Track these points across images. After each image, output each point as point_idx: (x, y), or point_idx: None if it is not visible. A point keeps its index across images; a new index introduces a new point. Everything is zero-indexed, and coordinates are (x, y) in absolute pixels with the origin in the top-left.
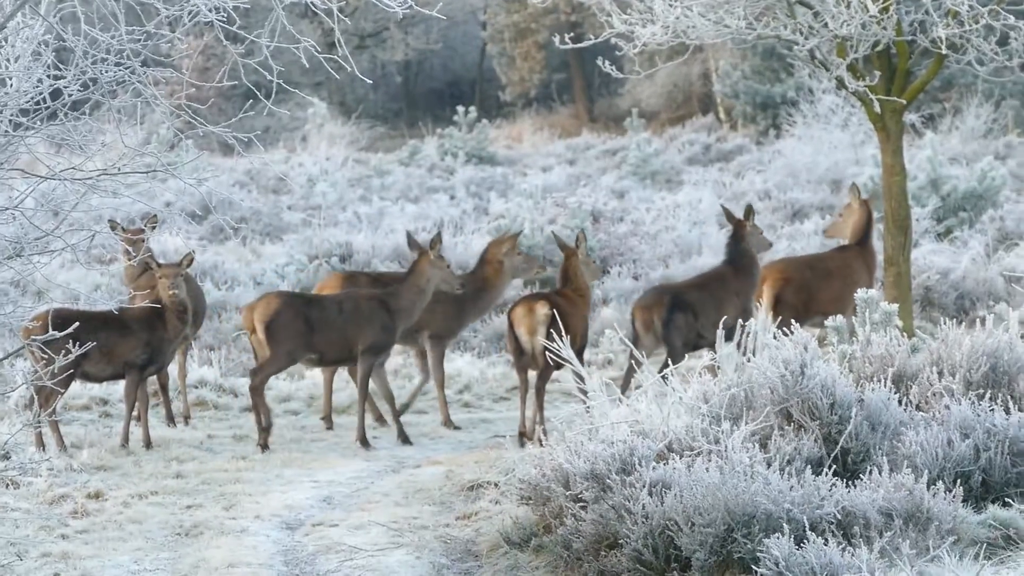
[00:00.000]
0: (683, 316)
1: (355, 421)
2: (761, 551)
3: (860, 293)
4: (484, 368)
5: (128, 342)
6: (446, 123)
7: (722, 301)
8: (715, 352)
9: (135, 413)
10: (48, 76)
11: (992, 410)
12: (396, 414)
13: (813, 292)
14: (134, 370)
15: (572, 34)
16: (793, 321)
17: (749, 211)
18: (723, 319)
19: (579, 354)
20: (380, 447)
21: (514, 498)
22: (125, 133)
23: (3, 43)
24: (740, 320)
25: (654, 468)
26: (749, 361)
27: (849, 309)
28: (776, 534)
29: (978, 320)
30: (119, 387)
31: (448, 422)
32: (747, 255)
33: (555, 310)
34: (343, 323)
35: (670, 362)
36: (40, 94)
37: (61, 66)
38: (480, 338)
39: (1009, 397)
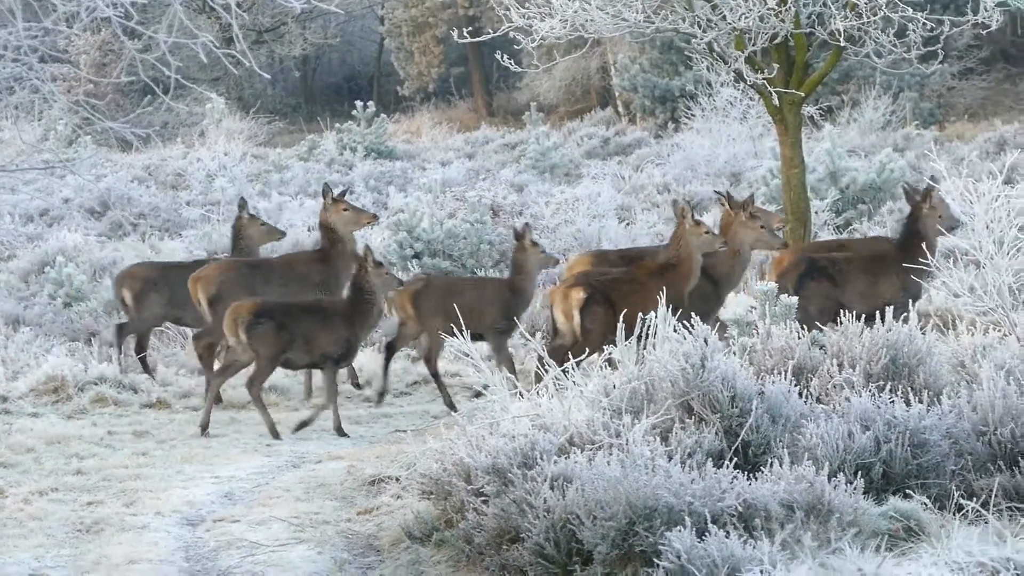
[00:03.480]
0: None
1: (252, 416)
2: (663, 544)
3: (760, 286)
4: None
5: (329, 334)
6: (344, 118)
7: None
8: None
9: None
10: None
11: (892, 402)
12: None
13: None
14: (330, 361)
15: (470, 28)
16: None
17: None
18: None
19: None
20: (281, 442)
21: (416, 493)
22: (23, 130)
23: None
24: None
25: (555, 462)
26: (650, 355)
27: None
28: (677, 527)
29: (878, 313)
30: (16, 385)
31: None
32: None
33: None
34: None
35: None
36: None
37: None
38: (380, 333)
39: (909, 389)
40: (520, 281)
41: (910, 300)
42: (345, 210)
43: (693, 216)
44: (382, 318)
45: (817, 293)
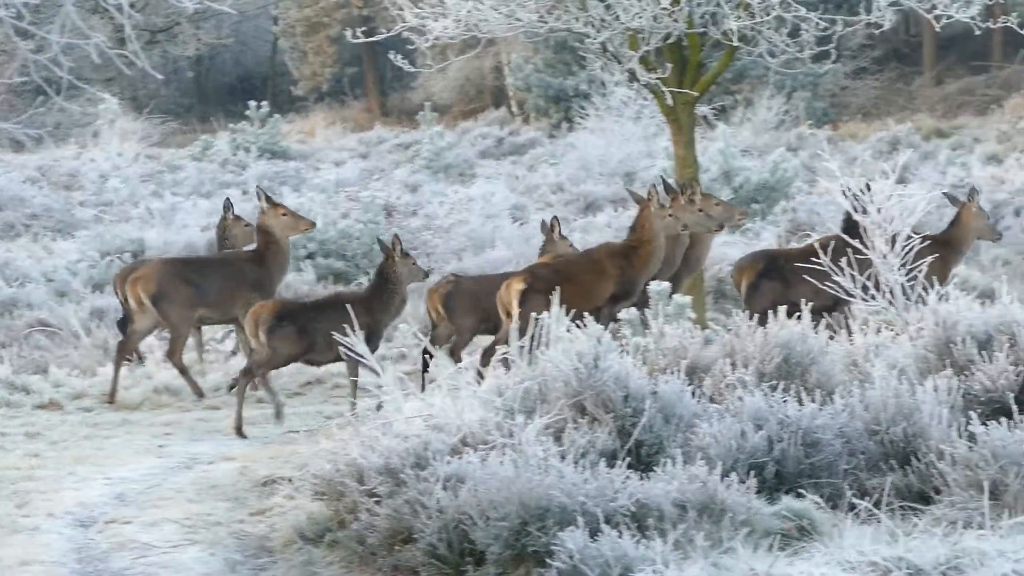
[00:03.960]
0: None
1: (145, 418)
2: (555, 544)
3: (654, 286)
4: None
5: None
6: (238, 118)
7: None
8: None
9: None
10: None
11: (785, 401)
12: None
13: None
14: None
15: (364, 28)
16: None
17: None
18: None
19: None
20: (173, 443)
21: (308, 493)
22: None
23: None
24: None
25: (448, 462)
26: (543, 354)
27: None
28: (570, 527)
29: (771, 312)
30: None
31: None
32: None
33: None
34: None
35: None
36: None
37: None
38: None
39: (802, 388)
40: None
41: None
42: (284, 215)
43: (659, 199)
44: (404, 307)
45: None
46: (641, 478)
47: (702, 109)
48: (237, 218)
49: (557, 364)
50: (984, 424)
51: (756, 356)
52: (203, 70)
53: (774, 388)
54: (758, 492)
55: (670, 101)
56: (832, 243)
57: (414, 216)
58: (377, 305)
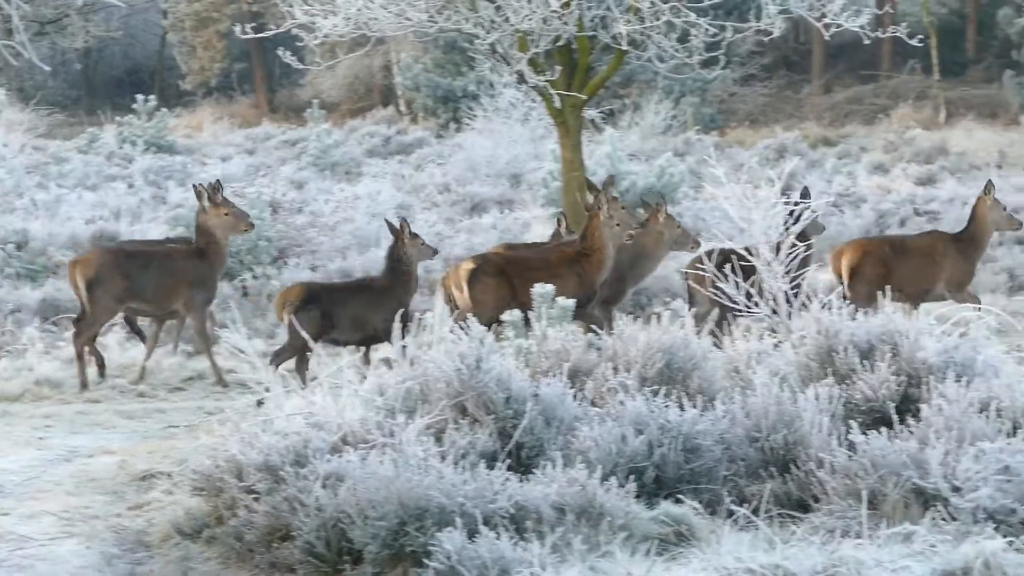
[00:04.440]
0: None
1: (25, 410)
2: (433, 545)
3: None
4: (159, 358)
5: (377, 311)
6: (126, 111)
7: None
8: None
9: None
10: None
11: (667, 406)
12: None
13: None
14: (379, 338)
15: (253, 24)
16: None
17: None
18: None
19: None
20: (53, 436)
21: (187, 489)
22: None
23: None
24: None
25: (328, 460)
26: (425, 354)
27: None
28: (449, 528)
29: (654, 316)
30: None
31: None
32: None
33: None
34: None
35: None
36: None
37: None
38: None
39: (684, 393)
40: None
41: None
42: (226, 215)
43: (609, 208)
44: (418, 286)
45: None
46: (521, 480)
47: (590, 112)
48: (226, 200)
49: (439, 364)
50: (864, 433)
51: (638, 360)
52: (91, 62)
53: (656, 393)
54: (637, 496)
55: (558, 104)
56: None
57: (299, 213)
58: (399, 287)
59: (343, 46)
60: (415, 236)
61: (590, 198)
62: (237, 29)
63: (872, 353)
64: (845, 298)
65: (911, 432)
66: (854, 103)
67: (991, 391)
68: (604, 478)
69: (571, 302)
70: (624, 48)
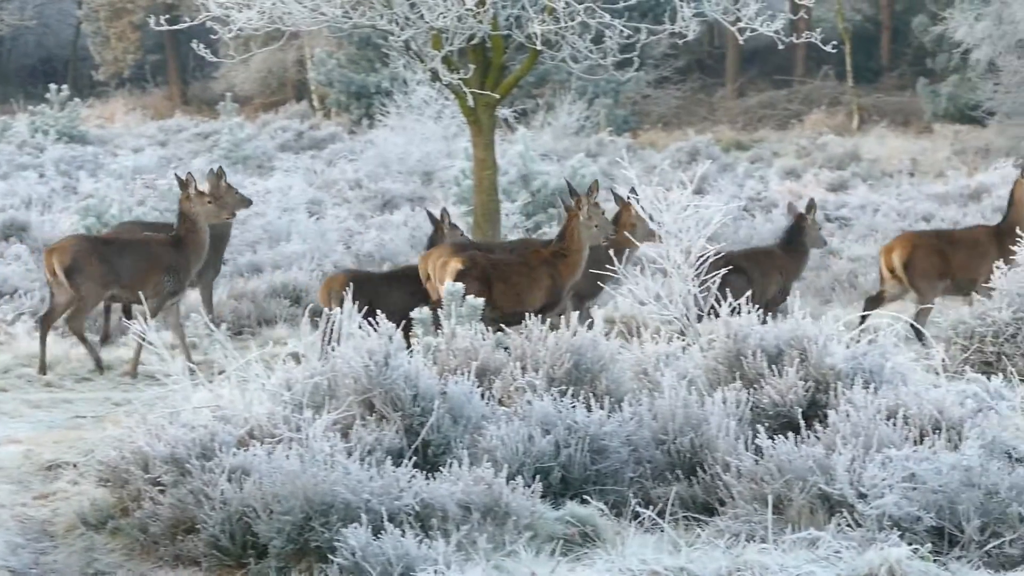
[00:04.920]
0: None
1: None
2: (338, 540)
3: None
4: (67, 348)
5: (414, 299)
6: (38, 100)
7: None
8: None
9: None
10: None
11: (574, 407)
12: None
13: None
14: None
15: (168, 16)
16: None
17: (811, 206)
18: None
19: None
20: None
21: (93, 480)
22: None
23: None
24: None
25: (234, 454)
26: (334, 350)
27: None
28: (354, 524)
29: (563, 316)
30: None
31: None
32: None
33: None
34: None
35: None
36: None
37: None
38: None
39: (591, 394)
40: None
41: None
42: (209, 203)
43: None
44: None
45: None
46: (427, 478)
47: (503, 111)
48: (229, 187)
49: (348, 361)
50: (771, 438)
51: (547, 361)
52: (4, 51)
53: (563, 393)
54: (543, 497)
55: (471, 102)
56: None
57: None
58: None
59: (257, 40)
60: (454, 227)
61: (572, 199)
62: (152, 21)
63: (781, 358)
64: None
65: (818, 438)
66: (767, 108)
67: (899, 398)
68: (510, 477)
69: (480, 301)
70: (538, 48)
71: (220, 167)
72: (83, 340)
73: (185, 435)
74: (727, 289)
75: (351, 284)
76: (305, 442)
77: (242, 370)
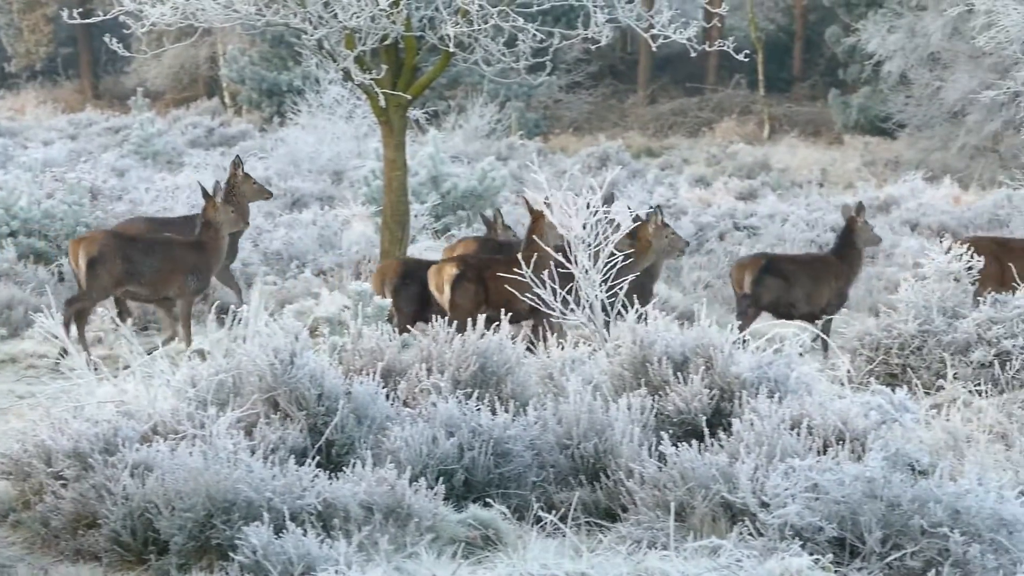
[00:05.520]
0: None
1: None
2: (240, 538)
3: (355, 286)
4: None
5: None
6: None
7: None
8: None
9: None
10: None
11: (479, 410)
12: None
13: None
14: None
15: (81, 9)
16: None
17: (860, 208)
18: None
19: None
20: None
21: None
22: None
23: None
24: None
25: (137, 450)
26: (239, 347)
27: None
28: (256, 522)
29: (470, 319)
30: None
31: None
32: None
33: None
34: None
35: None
36: None
37: None
38: None
39: (497, 398)
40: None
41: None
42: (232, 212)
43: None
44: None
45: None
46: (330, 478)
47: (415, 113)
48: (247, 176)
49: (253, 358)
50: (675, 445)
51: (452, 363)
52: None
53: (468, 396)
54: (446, 499)
55: (383, 102)
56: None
57: (119, 201)
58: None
59: (170, 35)
60: (508, 228)
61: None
62: (65, 14)
63: (686, 365)
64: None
65: (722, 446)
66: (678, 115)
67: (803, 408)
68: (413, 479)
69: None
70: (451, 50)
71: (238, 156)
72: (67, 326)
73: (88, 429)
74: (761, 291)
75: (403, 272)
76: (209, 439)
77: (147, 366)
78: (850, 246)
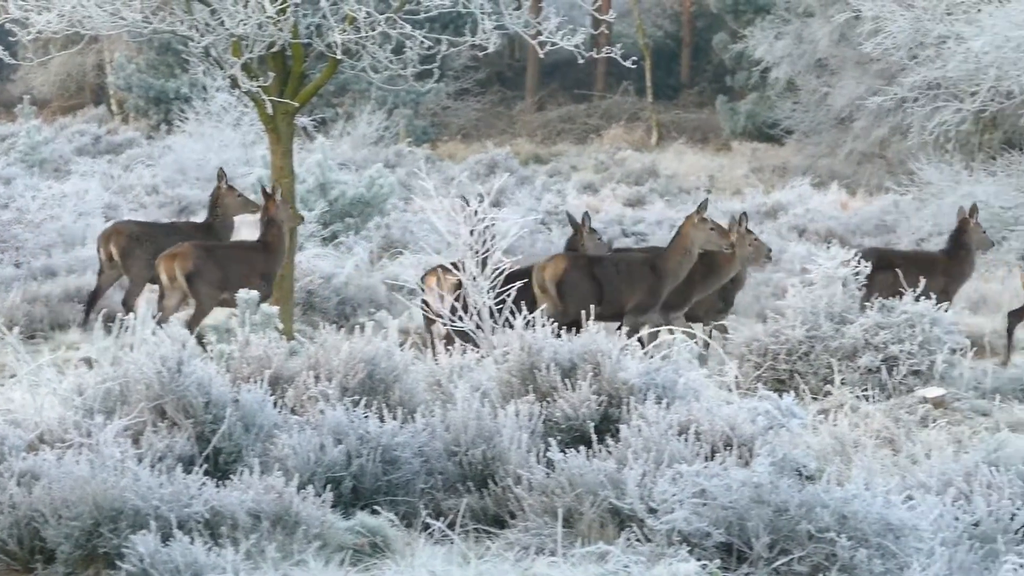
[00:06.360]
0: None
1: None
2: (127, 547)
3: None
4: None
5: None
6: None
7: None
8: None
9: None
10: None
11: (367, 417)
12: None
13: None
14: None
15: None
16: None
17: (974, 209)
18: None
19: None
20: None
21: None
22: None
23: None
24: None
25: (24, 458)
26: (127, 355)
27: None
28: (143, 531)
29: (358, 326)
30: None
31: None
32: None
33: None
34: (618, 282)
35: None
36: None
37: None
38: None
39: (384, 405)
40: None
41: None
42: (291, 208)
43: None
44: None
45: None
46: (217, 485)
47: (302, 120)
48: (230, 188)
49: (140, 366)
50: (563, 451)
51: (340, 370)
52: None
53: (356, 403)
54: (334, 506)
55: (270, 110)
56: None
57: (6, 209)
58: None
59: (56, 43)
60: (594, 231)
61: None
62: None
63: (574, 372)
64: None
65: (610, 452)
66: (567, 122)
67: (691, 414)
68: (301, 486)
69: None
70: (338, 57)
71: (221, 169)
72: (200, 340)
73: None
74: (875, 286)
75: (570, 266)
76: (95, 448)
77: (33, 374)
78: (962, 247)
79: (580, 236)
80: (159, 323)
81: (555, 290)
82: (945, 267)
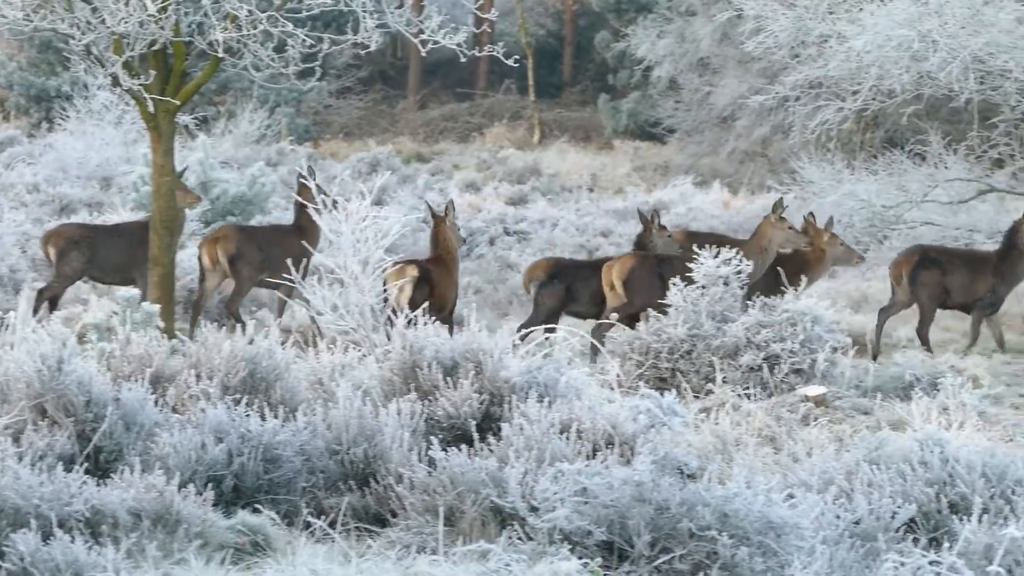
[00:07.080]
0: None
1: None
2: (7, 546)
3: (123, 292)
4: None
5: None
6: None
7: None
8: None
9: None
10: None
11: (248, 415)
12: None
13: None
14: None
15: None
16: None
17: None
18: None
19: (451, 315)
20: None
21: None
22: None
23: None
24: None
25: None
26: (7, 354)
27: None
28: (23, 529)
29: (239, 325)
30: None
31: None
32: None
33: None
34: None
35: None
36: None
37: None
38: None
39: (266, 403)
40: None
41: None
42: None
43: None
44: None
45: None
46: (98, 484)
47: (184, 118)
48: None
49: (20, 365)
50: (445, 450)
51: (222, 369)
52: None
53: (238, 402)
54: (215, 505)
55: (152, 108)
56: None
57: None
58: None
59: None
60: (663, 228)
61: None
62: None
63: (456, 370)
64: None
65: (491, 451)
66: (449, 120)
67: (573, 413)
68: (182, 485)
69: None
70: (220, 55)
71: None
72: (240, 320)
73: None
74: (919, 281)
75: (552, 271)
76: None
77: None
78: (1014, 247)
79: (648, 233)
80: (197, 303)
81: (622, 287)
82: (996, 267)
